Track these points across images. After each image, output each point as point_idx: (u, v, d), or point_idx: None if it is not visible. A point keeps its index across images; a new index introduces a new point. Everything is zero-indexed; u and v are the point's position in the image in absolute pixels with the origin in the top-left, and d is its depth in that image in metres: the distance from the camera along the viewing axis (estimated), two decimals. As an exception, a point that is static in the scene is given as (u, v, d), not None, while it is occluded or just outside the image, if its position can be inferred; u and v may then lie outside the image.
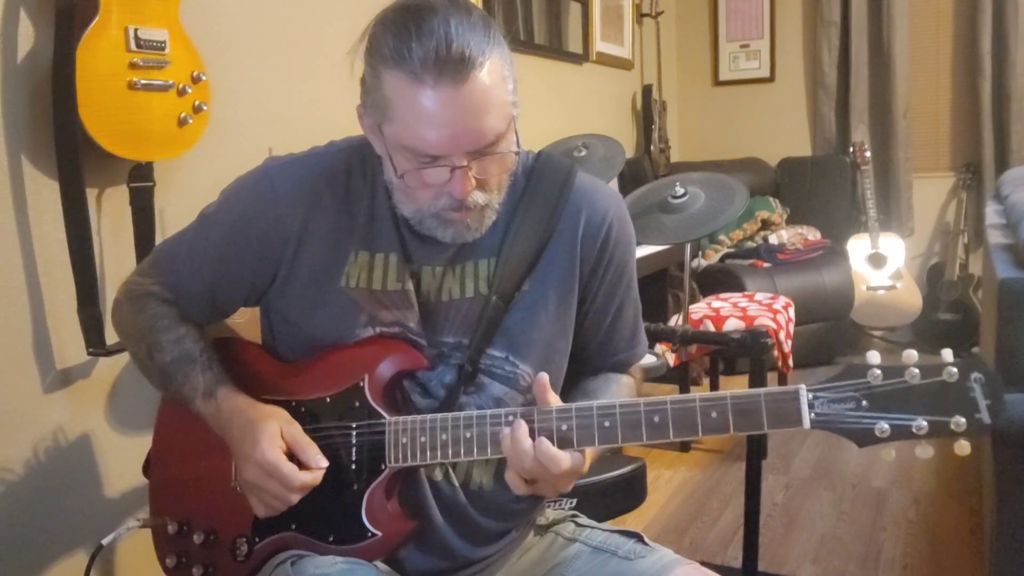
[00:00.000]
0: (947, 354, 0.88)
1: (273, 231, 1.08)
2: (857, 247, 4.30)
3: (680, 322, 2.28)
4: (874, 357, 0.90)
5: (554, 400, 1.00)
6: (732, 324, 2.94)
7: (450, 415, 1.03)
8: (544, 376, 1.00)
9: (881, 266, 4.26)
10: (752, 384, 2.00)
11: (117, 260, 1.80)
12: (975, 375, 0.87)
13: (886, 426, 0.88)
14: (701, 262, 4.21)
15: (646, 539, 1.16)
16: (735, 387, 1.02)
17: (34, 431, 1.67)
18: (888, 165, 4.58)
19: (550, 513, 1.27)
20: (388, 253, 1.09)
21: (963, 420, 0.86)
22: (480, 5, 3.18)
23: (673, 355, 2.52)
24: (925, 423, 0.87)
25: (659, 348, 2.34)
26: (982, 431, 0.86)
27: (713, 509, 2.75)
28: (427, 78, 0.93)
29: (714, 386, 3.52)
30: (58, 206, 1.66)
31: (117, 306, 1.21)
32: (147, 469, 1.23)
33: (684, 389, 3.42)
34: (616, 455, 2.67)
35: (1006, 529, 1.70)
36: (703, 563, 1.13)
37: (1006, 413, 0.88)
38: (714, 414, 0.93)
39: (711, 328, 2.94)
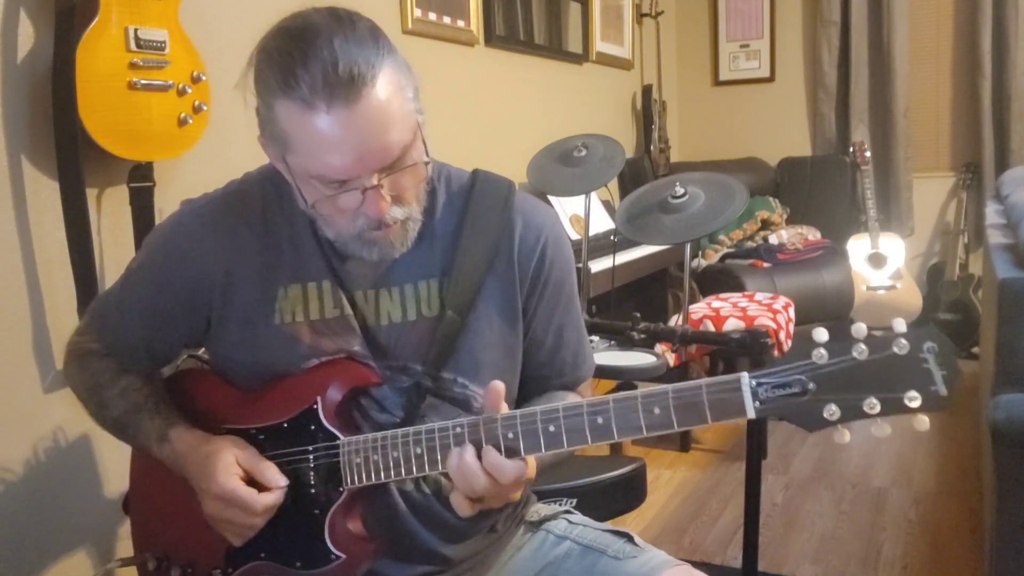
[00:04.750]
0: (899, 324, 0.82)
1: (197, 279, 1.08)
2: (857, 247, 4.30)
3: (680, 322, 2.28)
4: (821, 335, 0.83)
5: (505, 410, 0.98)
6: (732, 324, 2.94)
7: (400, 431, 1.01)
8: (499, 384, 0.97)
9: (881, 266, 4.26)
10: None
11: (117, 260, 1.80)
12: (928, 345, 0.80)
13: (835, 408, 0.82)
14: (701, 262, 4.21)
15: (636, 539, 1.16)
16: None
17: (34, 431, 1.67)
18: (888, 165, 4.58)
19: (542, 509, 1.26)
20: (320, 281, 1.07)
21: (917, 394, 0.80)
22: (479, 7, 3.18)
23: (673, 355, 2.51)
24: (877, 401, 0.81)
25: (659, 348, 2.33)
26: (939, 404, 0.80)
27: (713, 509, 2.74)
28: (319, 103, 0.90)
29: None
30: (58, 206, 1.66)
31: (65, 367, 1.21)
32: (127, 507, 1.24)
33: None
34: (616, 455, 2.67)
35: (1006, 529, 1.70)
36: (703, 564, 1.13)
37: (960, 382, 0.83)
38: (656, 410, 0.88)
39: (711, 328, 2.93)
